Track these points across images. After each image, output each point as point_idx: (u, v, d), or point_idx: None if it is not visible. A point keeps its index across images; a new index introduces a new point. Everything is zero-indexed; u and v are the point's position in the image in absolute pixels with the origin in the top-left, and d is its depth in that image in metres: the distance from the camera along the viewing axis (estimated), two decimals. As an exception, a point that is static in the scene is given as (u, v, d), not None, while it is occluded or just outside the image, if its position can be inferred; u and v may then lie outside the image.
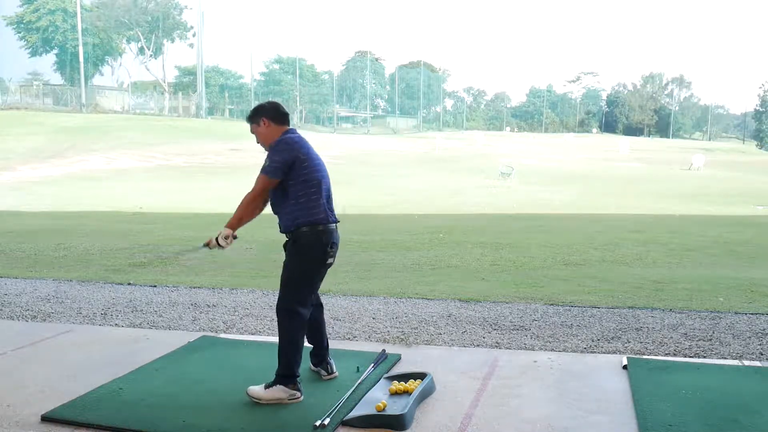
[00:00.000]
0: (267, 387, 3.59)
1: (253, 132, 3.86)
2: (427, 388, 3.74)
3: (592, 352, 4.63)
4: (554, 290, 6.76)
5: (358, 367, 4.05)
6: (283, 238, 3.82)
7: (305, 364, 3.86)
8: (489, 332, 5.15)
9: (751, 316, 5.63)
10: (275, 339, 3.51)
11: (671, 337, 4.98)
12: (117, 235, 11.23)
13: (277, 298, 3.73)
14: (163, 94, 63.51)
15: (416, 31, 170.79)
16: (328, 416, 3.34)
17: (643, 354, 4.57)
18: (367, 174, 26.51)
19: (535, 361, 4.37)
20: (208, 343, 4.73)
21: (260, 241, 10.00)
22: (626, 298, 6.31)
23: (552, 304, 6.06)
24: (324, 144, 39.26)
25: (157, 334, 5.07)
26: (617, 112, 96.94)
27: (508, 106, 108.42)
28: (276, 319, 3.70)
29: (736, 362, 4.37)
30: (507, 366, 4.26)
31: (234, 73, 73.02)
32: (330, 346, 4.06)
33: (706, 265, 8.59)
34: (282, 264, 3.76)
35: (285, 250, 3.80)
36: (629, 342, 4.87)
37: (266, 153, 3.74)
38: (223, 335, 5.03)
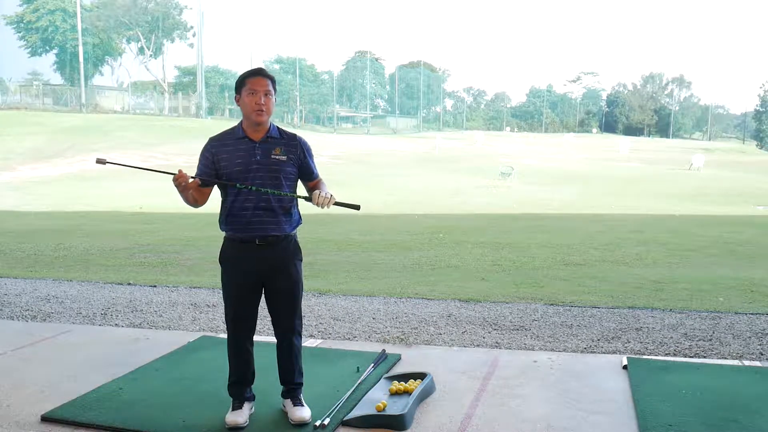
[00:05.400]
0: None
1: (267, 96, 3.24)
2: (427, 388, 3.73)
3: (592, 352, 4.63)
4: (554, 290, 6.76)
5: (358, 367, 4.05)
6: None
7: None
8: (489, 332, 5.15)
9: (751, 316, 5.62)
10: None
11: (671, 337, 4.98)
12: (117, 235, 11.23)
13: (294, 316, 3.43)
14: (163, 94, 63.50)
15: (416, 31, 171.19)
16: (328, 416, 3.34)
17: (643, 354, 4.57)
18: (367, 174, 26.50)
19: (535, 361, 4.36)
20: (208, 343, 4.73)
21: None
22: (626, 298, 6.31)
23: (552, 304, 6.06)
24: (324, 144, 39.27)
25: (157, 334, 5.07)
26: (617, 112, 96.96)
27: (508, 106, 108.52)
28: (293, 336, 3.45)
29: (736, 362, 4.36)
30: (507, 366, 4.26)
31: (234, 73, 72.81)
32: (330, 346, 4.03)
33: (706, 265, 8.59)
34: (291, 276, 3.36)
35: (282, 260, 3.33)
36: (629, 342, 4.87)
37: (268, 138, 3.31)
38: (222, 335, 5.01)
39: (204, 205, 3.36)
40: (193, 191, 3.23)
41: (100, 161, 3.30)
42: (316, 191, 3.28)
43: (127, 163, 3.45)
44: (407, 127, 79.17)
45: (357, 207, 3.32)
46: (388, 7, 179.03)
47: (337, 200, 3.28)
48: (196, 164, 3.35)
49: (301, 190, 3.43)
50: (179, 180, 3.12)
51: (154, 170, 3.28)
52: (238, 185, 3.20)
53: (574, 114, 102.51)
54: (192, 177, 3.16)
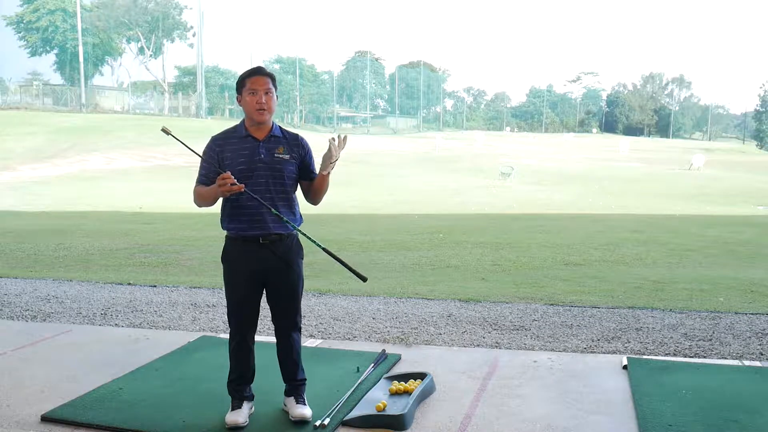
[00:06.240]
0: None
1: (267, 94, 3.27)
2: (427, 388, 3.73)
3: (592, 352, 4.63)
4: (554, 290, 6.76)
5: (358, 367, 4.05)
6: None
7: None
8: (489, 332, 5.15)
9: (751, 316, 5.62)
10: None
11: (671, 337, 4.98)
12: (117, 235, 11.23)
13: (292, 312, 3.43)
14: (163, 94, 63.54)
15: (416, 31, 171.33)
16: (328, 416, 3.34)
17: (643, 354, 4.57)
18: (367, 174, 26.49)
19: (535, 361, 4.36)
20: (208, 343, 4.73)
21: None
22: (626, 298, 6.31)
23: (552, 304, 6.06)
24: (324, 144, 39.15)
25: (157, 334, 5.07)
26: (617, 112, 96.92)
27: (508, 106, 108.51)
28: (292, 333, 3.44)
29: (736, 362, 4.37)
30: (507, 366, 4.26)
31: (234, 73, 72.75)
32: (330, 346, 4.03)
33: (706, 265, 8.59)
34: (293, 274, 3.41)
35: (285, 258, 3.37)
36: (629, 342, 4.87)
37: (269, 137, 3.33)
38: (223, 335, 5.01)
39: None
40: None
41: (165, 130, 3.35)
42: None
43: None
44: (407, 127, 79.24)
45: (364, 279, 3.40)
46: (388, 7, 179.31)
47: (347, 264, 3.38)
48: (198, 164, 3.35)
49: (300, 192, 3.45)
50: (226, 179, 3.10)
51: (204, 159, 3.25)
52: (269, 207, 3.20)
53: (574, 114, 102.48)
54: (234, 183, 3.12)
